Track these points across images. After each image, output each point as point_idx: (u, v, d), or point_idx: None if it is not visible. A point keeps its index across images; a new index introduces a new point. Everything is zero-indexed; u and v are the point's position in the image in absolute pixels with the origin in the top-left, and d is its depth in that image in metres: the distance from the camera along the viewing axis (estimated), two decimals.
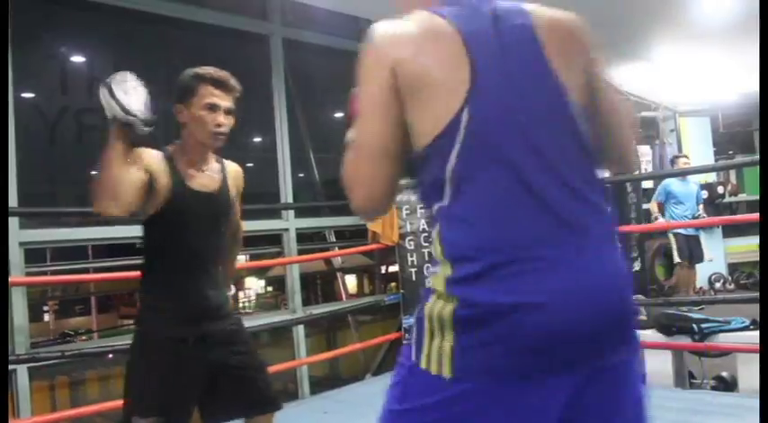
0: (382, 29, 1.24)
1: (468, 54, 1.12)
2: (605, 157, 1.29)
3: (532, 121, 1.12)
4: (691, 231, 7.16)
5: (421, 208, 5.11)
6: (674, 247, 7.20)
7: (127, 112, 1.88)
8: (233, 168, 2.26)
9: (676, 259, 7.30)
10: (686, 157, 7.19)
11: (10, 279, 3.09)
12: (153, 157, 2.08)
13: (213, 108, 2.07)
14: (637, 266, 6.81)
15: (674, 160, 7.37)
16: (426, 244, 5.10)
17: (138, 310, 2.19)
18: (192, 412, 2.10)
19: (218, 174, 2.18)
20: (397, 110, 1.14)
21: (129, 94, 1.90)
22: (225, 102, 2.09)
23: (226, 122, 2.09)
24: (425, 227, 5.11)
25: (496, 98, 1.12)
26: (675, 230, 7.13)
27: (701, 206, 7.25)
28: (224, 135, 2.10)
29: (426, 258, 5.08)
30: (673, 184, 7.07)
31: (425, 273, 4.96)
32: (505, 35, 1.19)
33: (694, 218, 6.98)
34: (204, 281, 2.12)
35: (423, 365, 1.08)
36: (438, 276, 1.10)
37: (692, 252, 7.14)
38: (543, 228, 1.07)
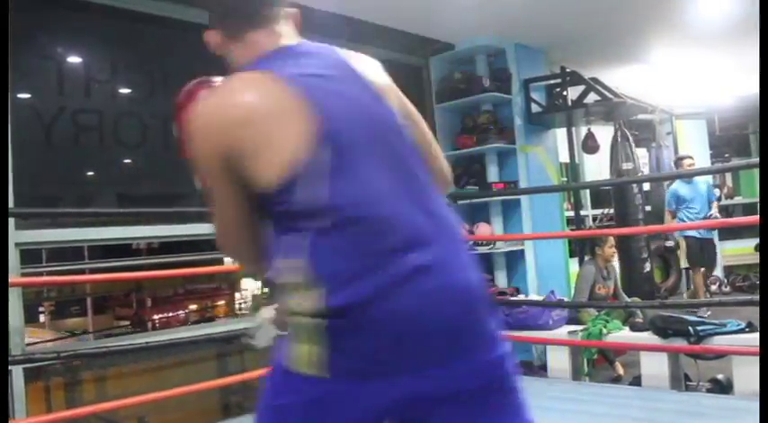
0: (206, 112, 1.28)
1: (304, 97, 1.22)
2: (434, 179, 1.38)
3: (379, 144, 1.25)
4: (704, 233, 7.04)
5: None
6: (684, 252, 7.12)
7: None
8: None
9: (683, 264, 7.25)
10: (690, 157, 7.06)
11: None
12: None
13: None
14: (647, 268, 6.80)
15: (678, 162, 7.21)
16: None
17: None
18: None
19: None
20: (236, 177, 1.22)
21: None
22: None
23: None
24: None
25: (346, 127, 1.23)
26: (687, 233, 7.01)
27: (715, 205, 7.08)
28: None
29: None
30: (679, 188, 6.98)
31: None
32: (330, 70, 1.33)
33: (705, 219, 6.86)
34: None
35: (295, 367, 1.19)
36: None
37: (706, 256, 7.08)
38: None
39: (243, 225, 1.30)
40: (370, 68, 1.41)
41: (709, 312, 5.92)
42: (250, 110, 1.21)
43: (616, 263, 5.75)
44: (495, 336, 1.24)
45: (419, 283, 1.16)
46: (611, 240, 5.22)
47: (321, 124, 1.19)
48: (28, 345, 3.87)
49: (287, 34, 1.40)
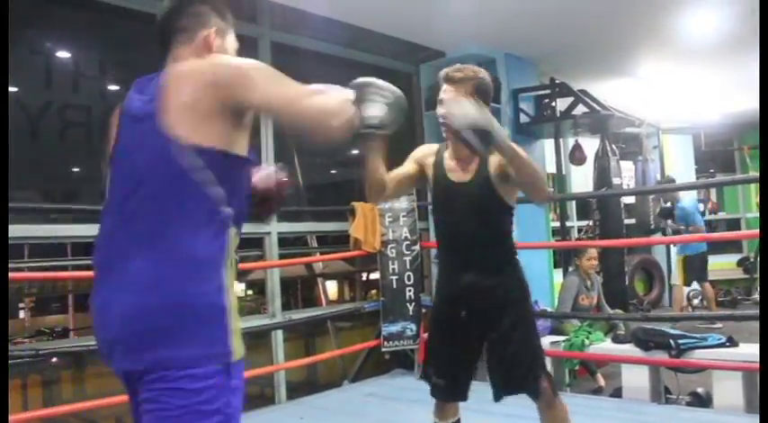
0: None
1: (119, 118, 1.55)
2: None
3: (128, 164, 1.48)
4: (703, 248, 7.10)
5: (390, 217, 5.11)
6: (680, 271, 7.10)
7: (366, 124, 1.81)
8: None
9: (674, 282, 7.27)
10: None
11: None
12: (425, 152, 2.54)
13: (440, 102, 2.36)
14: (627, 281, 6.82)
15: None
16: (408, 252, 5.10)
17: None
18: (464, 377, 2.48)
19: (476, 166, 2.39)
20: None
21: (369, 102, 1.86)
22: (448, 94, 2.33)
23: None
24: (408, 235, 5.11)
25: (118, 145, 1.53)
26: (687, 252, 7.03)
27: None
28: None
29: (408, 266, 5.09)
30: (686, 204, 7.05)
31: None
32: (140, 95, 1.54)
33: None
34: (465, 264, 2.42)
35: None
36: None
37: (702, 270, 7.12)
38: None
39: None
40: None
41: (720, 325, 6.00)
42: None
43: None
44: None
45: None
46: (591, 252, 5.21)
47: None
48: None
49: None
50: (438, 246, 2.62)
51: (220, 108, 1.41)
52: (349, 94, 1.61)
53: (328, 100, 1.51)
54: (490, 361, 2.45)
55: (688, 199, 7.12)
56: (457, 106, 2.02)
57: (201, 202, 1.41)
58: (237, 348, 1.43)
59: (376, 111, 1.82)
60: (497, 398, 2.41)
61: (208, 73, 1.46)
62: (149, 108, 1.44)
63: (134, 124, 1.48)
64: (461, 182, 2.41)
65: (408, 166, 2.50)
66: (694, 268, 7.00)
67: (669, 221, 7.33)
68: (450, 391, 2.50)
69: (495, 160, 2.29)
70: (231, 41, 1.78)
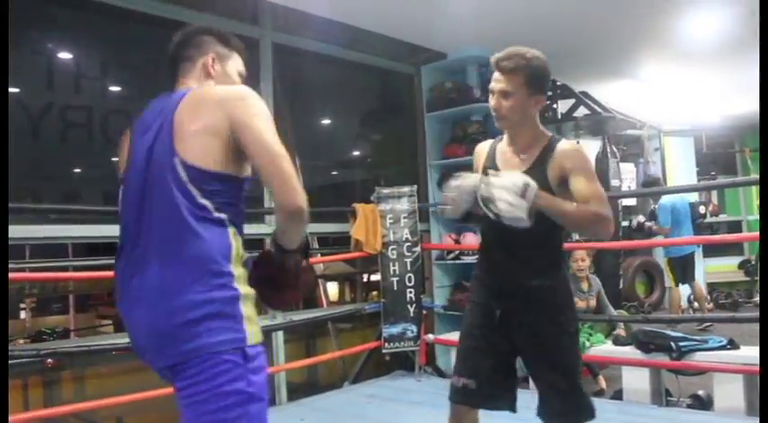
0: None
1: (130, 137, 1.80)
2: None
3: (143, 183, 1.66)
4: (688, 249, 7.07)
5: (391, 219, 5.11)
6: (668, 273, 7.13)
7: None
8: (561, 149, 2.20)
9: (668, 284, 7.27)
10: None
11: None
12: (479, 150, 2.45)
13: (491, 92, 2.24)
14: (621, 284, 6.82)
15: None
16: (409, 254, 5.10)
17: None
18: (501, 379, 2.31)
19: (533, 157, 2.24)
20: None
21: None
22: (499, 84, 2.21)
23: (498, 105, 2.21)
24: (409, 236, 5.11)
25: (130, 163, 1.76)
26: (671, 254, 7.02)
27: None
28: (501, 117, 2.23)
29: (409, 268, 5.09)
30: (676, 202, 7.01)
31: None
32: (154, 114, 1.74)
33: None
34: (503, 261, 2.32)
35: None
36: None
37: (686, 272, 7.11)
38: None
39: None
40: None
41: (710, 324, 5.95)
42: None
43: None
44: None
45: None
46: (577, 254, 5.06)
47: None
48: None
49: None
50: (481, 238, 2.47)
51: (224, 133, 1.60)
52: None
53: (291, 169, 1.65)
54: (528, 369, 2.38)
55: (668, 199, 7.07)
56: (497, 201, 1.99)
57: (202, 210, 1.59)
58: (253, 333, 1.58)
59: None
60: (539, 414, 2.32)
61: (216, 101, 1.64)
62: (161, 128, 1.65)
63: (145, 143, 1.70)
64: (511, 169, 2.21)
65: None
66: (680, 269, 7.00)
67: (652, 223, 7.32)
68: (477, 393, 2.27)
69: (558, 163, 2.16)
70: (234, 66, 1.91)
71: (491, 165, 2.31)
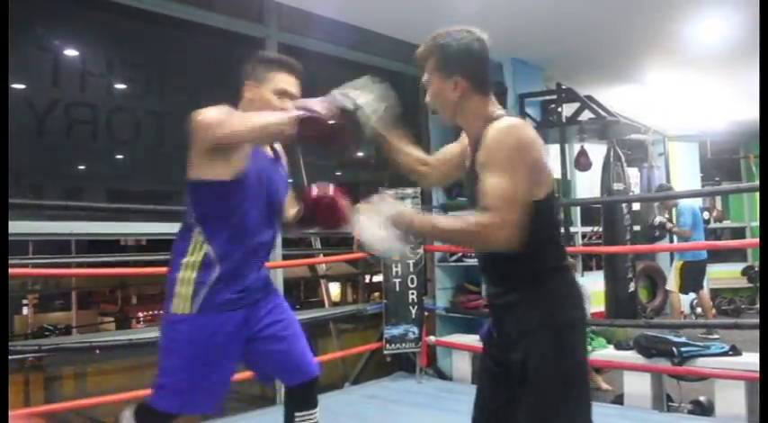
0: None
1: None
2: None
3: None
4: (703, 255, 7.05)
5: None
6: (676, 278, 7.08)
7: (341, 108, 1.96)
8: (485, 138, 1.80)
9: (669, 288, 7.25)
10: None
11: None
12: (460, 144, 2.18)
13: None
14: (632, 287, 6.79)
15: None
16: (412, 255, 5.10)
17: None
18: None
19: (472, 154, 1.90)
20: None
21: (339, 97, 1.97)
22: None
23: (427, 99, 2.07)
24: (411, 238, 5.10)
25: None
26: (687, 258, 7.00)
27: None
28: (437, 113, 2.11)
29: (411, 269, 5.08)
30: (694, 206, 7.00)
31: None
32: None
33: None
34: (482, 270, 1.97)
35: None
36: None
37: (697, 279, 7.09)
38: None
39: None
40: None
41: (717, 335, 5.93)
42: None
43: (596, 281, 5.78)
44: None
45: None
46: None
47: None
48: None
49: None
50: None
51: (195, 149, 2.02)
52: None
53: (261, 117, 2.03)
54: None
55: (686, 203, 7.07)
56: (364, 233, 1.78)
57: (187, 215, 2.14)
58: (177, 305, 2.08)
59: (346, 101, 1.92)
60: None
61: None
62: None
63: None
64: (467, 169, 1.94)
65: (454, 146, 2.11)
66: (692, 276, 6.96)
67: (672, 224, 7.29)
68: None
69: (481, 156, 1.78)
70: (270, 88, 2.21)
71: (464, 158, 1.99)
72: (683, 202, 6.99)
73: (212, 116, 1.98)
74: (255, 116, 2.05)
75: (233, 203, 2.08)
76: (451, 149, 2.12)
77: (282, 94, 2.18)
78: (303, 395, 2.32)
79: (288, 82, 2.22)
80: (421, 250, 5.14)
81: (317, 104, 1.93)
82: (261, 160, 2.17)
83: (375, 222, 1.77)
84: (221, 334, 2.08)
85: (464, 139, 2.03)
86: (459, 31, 1.92)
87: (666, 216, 7.41)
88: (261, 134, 2.02)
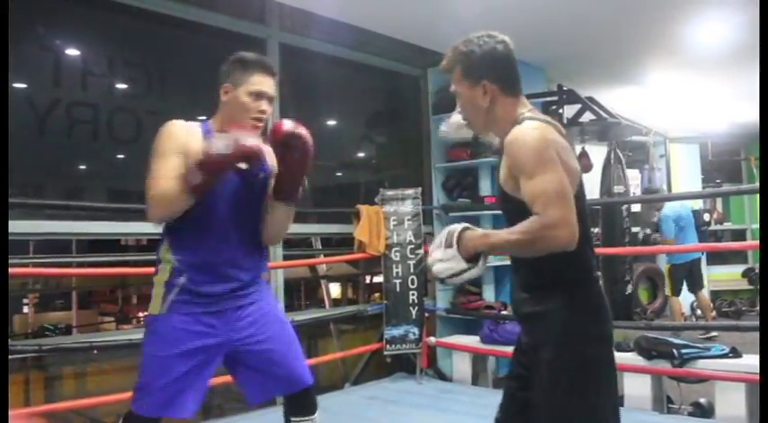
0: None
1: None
2: None
3: None
4: (691, 256, 7.03)
5: (395, 221, 5.12)
6: (668, 280, 7.10)
7: None
8: (506, 143, 1.79)
9: (668, 292, 7.26)
10: None
11: None
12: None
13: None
14: (629, 290, 6.80)
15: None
16: (412, 256, 5.10)
17: None
18: None
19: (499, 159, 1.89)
20: None
21: None
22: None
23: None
24: (412, 238, 5.11)
25: None
26: (673, 261, 7.01)
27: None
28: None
29: (411, 270, 5.08)
30: (679, 210, 6.99)
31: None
32: None
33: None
34: (513, 278, 1.96)
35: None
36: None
37: (694, 279, 7.09)
38: None
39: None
40: None
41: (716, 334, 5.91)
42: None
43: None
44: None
45: None
46: None
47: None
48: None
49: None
50: None
51: None
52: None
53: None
54: None
55: (671, 207, 7.04)
56: (436, 263, 1.76)
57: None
58: (152, 306, 2.16)
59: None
60: None
61: None
62: None
63: None
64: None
65: None
66: (679, 278, 6.96)
67: (657, 235, 7.31)
68: None
69: (505, 161, 1.78)
70: (245, 91, 2.15)
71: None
72: (665, 210, 6.96)
73: (154, 161, 2.10)
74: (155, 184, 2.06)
75: (196, 217, 2.09)
76: None
77: (258, 95, 2.15)
78: (300, 402, 2.31)
79: (263, 83, 2.17)
80: (422, 251, 5.14)
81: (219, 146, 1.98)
82: (231, 176, 2.11)
83: (437, 246, 1.77)
84: (183, 332, 2.10)
85: None
86: (481, 37, 1.88)
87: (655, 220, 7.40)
88: (155, 208, 2.07)
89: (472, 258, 1.73)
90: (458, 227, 1.77)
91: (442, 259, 1.75)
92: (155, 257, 2.21)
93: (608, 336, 1.81)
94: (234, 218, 2.16)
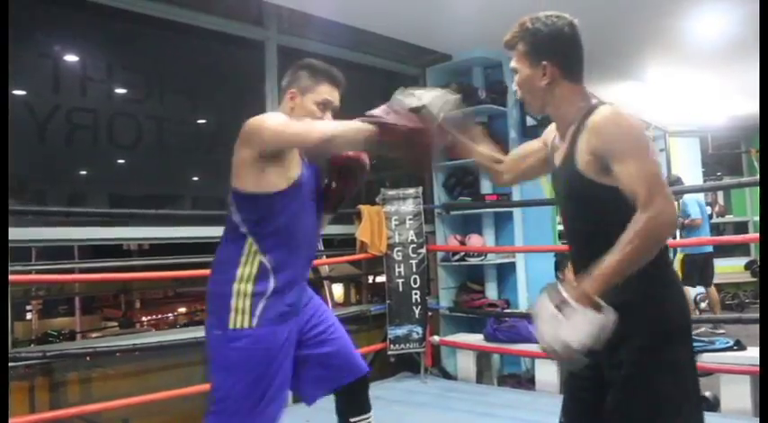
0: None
1: None
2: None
3: None
4: (706, 249, 7.04)
5: (396, 220, 5.12)
6: (679, 270, 7.06)
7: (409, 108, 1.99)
8: (590, 124, 1.69)
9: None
10: None
11: None
12: (551, 128, 2.06)
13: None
14: None
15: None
16: (414, 255, 5.10)
17: None
18: None
19: (567, 143, 1.77)
20: None
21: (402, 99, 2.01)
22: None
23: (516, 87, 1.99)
24: (414, 238, 5.11)
25: None
26: (689, 251, 6.99)
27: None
28: (523, 101, 2.00)
29: (414, 269, 5.08)
30: (698, 199, 7.02)
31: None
32: None
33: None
34: (574, 266, 1.81)
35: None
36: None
37: (706, 273, 7.08)
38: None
39: None
40: None
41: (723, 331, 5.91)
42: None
43: None
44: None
45: None
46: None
47: None
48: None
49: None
50: None
51: (247, 158, 1.99)
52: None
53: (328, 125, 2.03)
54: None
55: (690, 195, 7.08)
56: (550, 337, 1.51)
57: (230, 222, 2.09)
58: (235, 320, 2.02)
59: (411, 100, 1.94)
60: None
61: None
62: None
63: None
64: (559, 163, 1.81)
65: (534, 143, 2.04)
66: (696, 269, 6.95)
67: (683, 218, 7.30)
68: None
69: (587, 144, 1.66)
70: (312, 98, 2.18)
71: (551, 155, 1.89)
72: (684, 197, 6.99)
73: (278, 121, 1.98)
74: (322, 124, 2.03)
75: (289, 213, 2.05)
76: (531, 146, 2.06)
77: (325, 105, 2.18)
78: (355, 397, 2.33)
79: (331, 94, 2.21)
80: (424, 250, 5.14)
81: (386, 112, 1.93)
82: (305, 166, 2.16)
83: (541, 318, 1.53)
84: (278, 347, 2.05)
85: (548, 134, 1.97)
86: (549, 16, 1.80)
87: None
88: (332, 143, 1.96)
89: (596, 307, 1.48)
90: (550, 288, 1.55)
91: (549, 333, 1.51)
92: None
93: (690, 330, 1.72)
94: (311, 226, 2.20)
